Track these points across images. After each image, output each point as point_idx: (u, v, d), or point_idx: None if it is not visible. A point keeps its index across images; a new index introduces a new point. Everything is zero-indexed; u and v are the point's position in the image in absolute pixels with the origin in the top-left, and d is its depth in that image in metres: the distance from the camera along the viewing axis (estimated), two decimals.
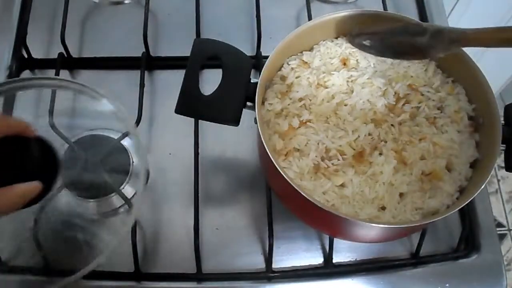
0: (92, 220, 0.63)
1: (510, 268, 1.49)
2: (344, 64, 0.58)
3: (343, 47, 0.60)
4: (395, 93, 0.56)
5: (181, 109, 0.52)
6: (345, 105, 0.56)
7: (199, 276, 0.61)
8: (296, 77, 0.57)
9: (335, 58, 0.59)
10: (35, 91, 0.71)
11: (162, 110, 0.70)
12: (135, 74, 0.70)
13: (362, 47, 0.58)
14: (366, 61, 0.59)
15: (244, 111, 0.53)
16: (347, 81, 0.57)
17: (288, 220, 0.63)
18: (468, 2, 1.14)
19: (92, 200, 0.63)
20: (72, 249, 0.60)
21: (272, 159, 0.49)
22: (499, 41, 0.47)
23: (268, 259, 0.61)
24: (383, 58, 0.59)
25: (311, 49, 0.60)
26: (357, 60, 0.59)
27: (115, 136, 0.65)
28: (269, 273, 0.61)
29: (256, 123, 0.51)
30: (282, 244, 0.63)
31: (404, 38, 0.54)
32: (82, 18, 0.76)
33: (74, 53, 0.73)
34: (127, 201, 0.61)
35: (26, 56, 0.73)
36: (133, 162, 0.65)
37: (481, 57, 1.29)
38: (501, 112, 0.53)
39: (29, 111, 0.69)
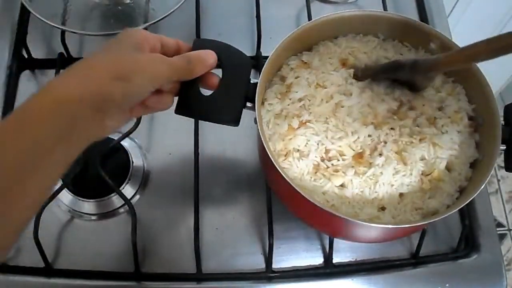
0: None
1: (510, 268, 1.49)
2: (344, 64, 0.58)
3: (343, 47, 0.59)
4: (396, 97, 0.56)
5: (181, 110, 0.52)
6: (342, 106, 0.55)
7: (199, 276, 0.61)
8: (296, 77, 0.57)
9: (335, 58, 0.59)
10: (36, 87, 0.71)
11: None
12: None
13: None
14: (366, 60, 0.59)
15: (244, 111, 0.53)
16: (347, 81, 0.57)
17: (288, 220, 0.63)
18: (468, 2, 1.14)
19: (92, 200, 0.63)
20: None
21: (272, 159, 0.48)
22: (465, 61, 0.49)
23: (268, 259, 0.61)
24: (383, 59, 0.59)
25: (310, 49, 0.60)
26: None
27: (115, 136, 0.65)
28: (269, 273, 0.61)
29: (256, 123, 0.51)
30: (282, 244, 0.63)
31: (391, 75, 0.55)
32: (82, 18, 0.76)
33: (74, 53, 0.73)
34: (127, 201, 0.61)
35: (26, 56, 0.73)
36: (133, 162, 0.65)
37: None
38: (501, 112, 0.53)
39: None
